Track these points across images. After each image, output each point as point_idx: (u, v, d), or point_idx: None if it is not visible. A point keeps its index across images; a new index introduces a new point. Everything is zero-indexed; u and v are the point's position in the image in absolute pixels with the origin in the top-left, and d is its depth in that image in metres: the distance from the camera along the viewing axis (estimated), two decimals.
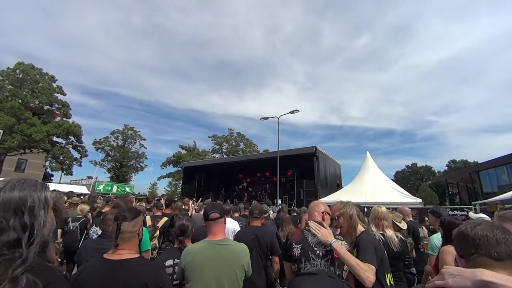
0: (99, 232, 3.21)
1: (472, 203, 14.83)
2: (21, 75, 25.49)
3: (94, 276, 1.38)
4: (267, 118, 18.73)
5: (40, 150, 25.80)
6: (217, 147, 44.81)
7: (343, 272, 2.06)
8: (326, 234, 2.01)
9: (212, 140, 45.15)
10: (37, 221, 0.87)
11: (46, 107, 27.22)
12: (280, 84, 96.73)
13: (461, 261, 0.97)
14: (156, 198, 7.87)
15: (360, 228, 2.20)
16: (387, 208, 2.95)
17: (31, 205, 0.88)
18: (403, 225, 3.49)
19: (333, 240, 1.96)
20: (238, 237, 3.27)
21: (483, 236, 0.92)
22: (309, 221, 2.18)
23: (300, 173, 18.20)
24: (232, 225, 3.97)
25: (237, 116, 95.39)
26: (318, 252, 2.01)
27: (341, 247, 1.93)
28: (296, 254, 2.06)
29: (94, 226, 3.59)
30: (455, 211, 11.19)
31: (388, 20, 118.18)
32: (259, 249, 3.12)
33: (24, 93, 25.28)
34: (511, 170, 18.98)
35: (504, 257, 0.87)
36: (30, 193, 0.89)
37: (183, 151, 43.24)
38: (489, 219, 3.50)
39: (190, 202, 6.38)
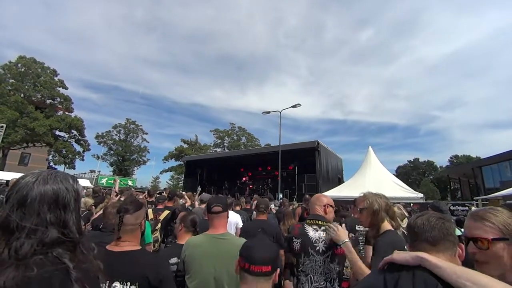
0: None
1: (474, 198, 14.79)
2: (23, 69, 25.53)
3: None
4: (269, 112, 18.68)
5: (43, 144, 26.01)
6: (219, 141, 44.85)
7: (344, 268, 2.02)
8: (341, 234, 1.91)
9: (214, 134, 45.23)
10: (71, 216, 0.82)
11: (48, 101, 27.31)
12: (282, 78, 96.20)
13: (410, 249, 1.12)
14: (157, 192, 7.91)
15: (386, 226, 1.90)
16: None
17: (66, 199, 0.81)
18: (404, 223, 3.48)
19: (344, 241, 1.86)
20: (244, 230, 3.33)
21: (421, 224, 1.08)
22: (329, 223, 2.05)
23: (302, 167, 18.22)
24: (234, 218, 4.00)
25: (239, 111, 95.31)
26: (318, 248, 1.98)
27: (351, 251, 1.81)
28: (296, 248, 2.04)
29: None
30: (457, 206, 11.20)
31: (393, 13, 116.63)
32: None
33: (26, 87, 25.33)
34: None
35: (438, 240, 1.02)
36: (64, 186, 0.83)
37: (185, 145, 43.35)
38: None
39: (186, 196, 6.44)
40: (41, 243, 0.73)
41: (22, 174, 0.89)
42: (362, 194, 2.12)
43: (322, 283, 1.93)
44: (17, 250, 0.69)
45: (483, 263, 1.04)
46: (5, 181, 11.95)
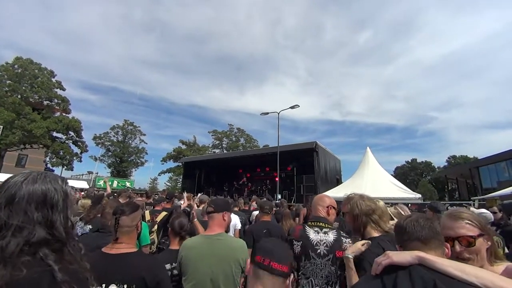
0: (86, 228, 3.14)
1: (471, 198, 14.86)
2: (19, 70, 25.36)
3: (92, 270, 1.39)
4: (267, 113, 18.70)
5: (41, 146, 25.81)
6: (217, 142, 44.80)
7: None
8: (349, 248, 1.70)
9: (212, 135, 45.16)
10: (59, 216, 0.82)
11: (45, 102, 27.14)
12: (281, 79, 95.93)
13: (400, 249, 1.14)
14: (154, 193, 7.89)
15: (370, 232, 1.79)
16: (385, 203, 2.95)
17: (54, 199, 0.82)
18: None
19: (347, 255, 1.62)
20: (250, 231, 3.35)
21: (411, 224, 1.11)
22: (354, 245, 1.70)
23: (300, 168, 18.24)
24: (232, 219, 3.99)
25: (238, 111, 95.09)
26: (319, 250, 1.94)
27: (350, 267, 1.59)
28: (296, 251, 1.99)
29: (79, 221, 3.42)
30: (454, 207, 11.24)
31: (391, 14, 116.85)
32: None
33: (23, 88, 25.20)
34: (511, 166, 18.99)
35: (429, 239, 1.06)
36: (52, 186, 0.83)
37: (183, 146, 43.29)
38: (490, 214, 3.53)
39: (185, 196, 6.40)
40: (27, 243, 0.73)
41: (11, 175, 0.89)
42: (346, 197, 2.02)
43: (323, 286, 1.88)
44: (3, 249, 0.70)
45: (467, 259, 1.14)
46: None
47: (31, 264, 0.71)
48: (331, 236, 1.99)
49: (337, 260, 1.89)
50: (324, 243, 1.97)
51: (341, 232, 2.06)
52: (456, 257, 1.15)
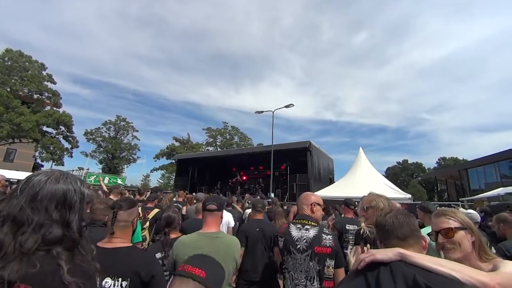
0: None
1: (460, 199, 15.21)
2: (9, 63, 24.73)
3: None
4: (262, 112, 18.70)
5: (30, 140, 25.26)
6: (211, 140, 44.64)
7: (325, 268, 1.99)
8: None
9: (206, 132, 44.99)
10: (75, 217, 0.84)
11: (35, 96, 26.54)
12: (277, 78, 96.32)
13: (381, 246, 1.19)
14: (147, 190, 7.87)
15: None
16: None
17: (74, 200, 0.85)
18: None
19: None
20: (243, 229, 3.36)
21: (390, 222, 1.16)
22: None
23: (294, 167, 18.32)
24: (226, 217, 4.00)
25: (232, 109, 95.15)
26: (299, 246, 2.02)
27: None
28: (280, 246, 2.11)
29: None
30: (443, 207, 11.47)
31: (387, 17, 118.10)
32: (264, 241, 3.23)
33: (13, 81, 24.58)
34: (499, 168, 19.48)
35: (407, 236, 1.12)
36: (73, 187, 0.87)
37: (177, 143, 42.96)
38: (477, 214, 3.64)
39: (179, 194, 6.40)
40: (44, 240, 0.76)
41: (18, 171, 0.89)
42: (367, 194, 2.25)
43: (302, 280, 1.96)
44: (21, 244, 0.72)
45: (450, 249, 1.27)
46: None
47: (44, 261, 0.74)
48: (311, 233, 2.07)
49: (315, 256, 1.97)
50: (304, 239, 2.05)
51: (323, 229, 2.13)
52: (441, 248, 1.32)
